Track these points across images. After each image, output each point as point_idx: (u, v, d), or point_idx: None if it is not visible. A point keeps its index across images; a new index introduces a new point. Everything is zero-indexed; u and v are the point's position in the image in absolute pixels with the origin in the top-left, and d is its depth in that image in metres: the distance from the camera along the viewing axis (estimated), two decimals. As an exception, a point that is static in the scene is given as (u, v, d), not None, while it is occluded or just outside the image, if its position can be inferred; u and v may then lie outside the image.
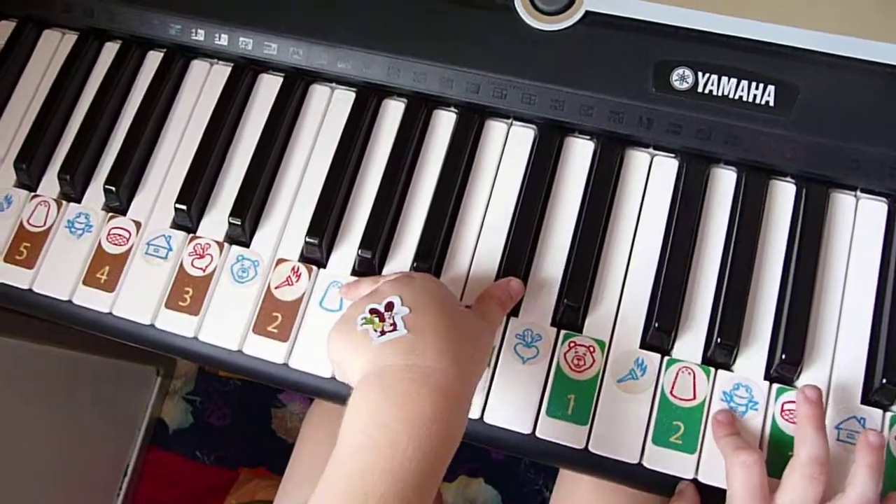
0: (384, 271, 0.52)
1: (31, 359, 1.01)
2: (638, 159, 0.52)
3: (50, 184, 0.57)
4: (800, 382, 0.47)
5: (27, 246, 0.55)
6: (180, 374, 1.29)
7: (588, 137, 0.53)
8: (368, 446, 0.37)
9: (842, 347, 0.48)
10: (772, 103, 0.49)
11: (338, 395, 0.50)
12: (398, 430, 0.37)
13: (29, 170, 0.56)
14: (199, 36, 0.57)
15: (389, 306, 0.43)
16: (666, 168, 0.52)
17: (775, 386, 0.47)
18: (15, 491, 0.99)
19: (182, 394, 1.27)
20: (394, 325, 0.42)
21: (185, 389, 1.27)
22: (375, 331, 0.42)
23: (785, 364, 0.46)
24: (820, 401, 0.44)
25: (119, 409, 1.23)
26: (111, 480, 1.22)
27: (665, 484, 0.47)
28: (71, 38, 0.60)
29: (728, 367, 0.48)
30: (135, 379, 1.26)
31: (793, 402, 0.46)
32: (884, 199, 0.50)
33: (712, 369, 0.48)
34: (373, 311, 0.43)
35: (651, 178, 0.52)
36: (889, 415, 0.46)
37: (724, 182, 0.52)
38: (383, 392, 0.39)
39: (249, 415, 1.23)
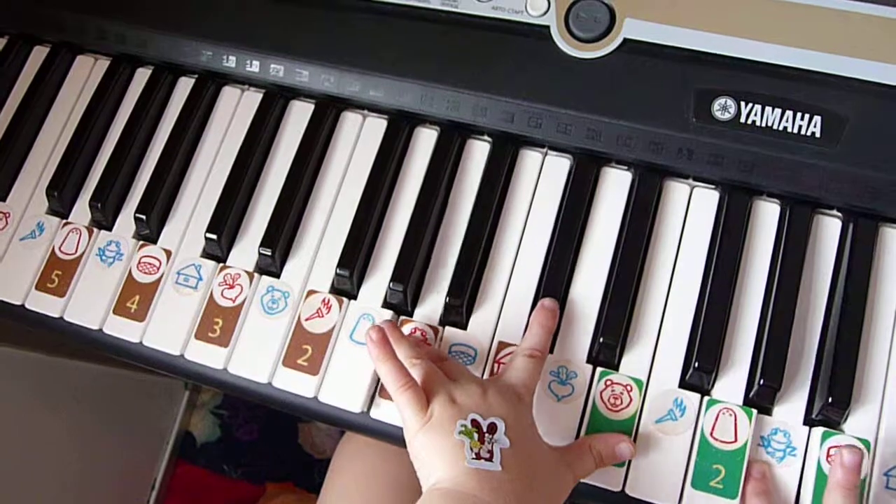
0: (416, 307, 0.51)
1: (62, 373, 1.02)
2: (678, 191, 0.51)
3: (81, 211, 0.57)
4: (846, 426, 0.45)
5: (58, 274, 0.55)
6: (208, 388, 1.29)
7: (626, 168, 0.52)
8: None
9: (893, 390, 0.46)
10: (818, 134, 0.48)
11: (368, 428, 0.50)
12: None
13: (61, 196, 0.56)
14: (231, 62, 0.57)
15: (492, 428, 0.41)
16: (707, 200, 0.50)
17: (818, 430, 0.45)
18: (46, 498, 1.00)
19: (210, 407, 1.27)
20: (490, 453, 0.40)
21: (213, 403, 1.27)
22: (472, 450, 0.40)
23: (834, 405, 0.44)
24: (857, 468, 0.42)
25: (148, 422, 1.24)
26: (139, 493, 1.23)
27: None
28: (104, 63, 0.60)
29: (769, 411, 0.46)
30: (164, 392, 1.26)
31: (837, 445, 0.45)
32: (936, 235, 0.48)
33: (754, 411, 0.46)
34: (475, 424, 0.41)
35: (691, 210, 0.51)
36: (941, 460, 0.44)
37: (768, 215, 0.50)
38: None
39: (276, 429, 1.23)
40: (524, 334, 0.48)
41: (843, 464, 0.42)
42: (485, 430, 0.40)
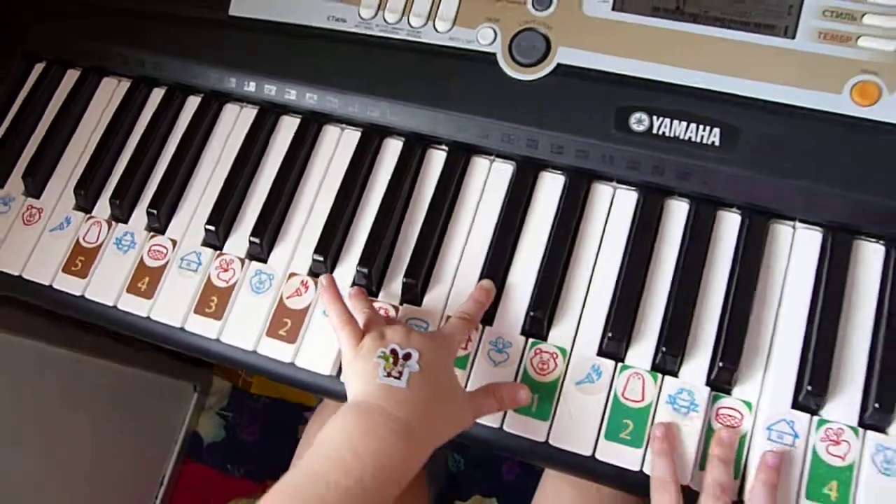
0: (382, 285, 0.60)
1: (81, 371, 1.11)
2: (602, 192, 0.60)
3: (102, 207, 0.67)
4: (738, 391, 0.53)
5: (82, 259, 0.65)
6: (215, 391, 1.38)
7: (560, 172, 0.61)
8: (337, 462, 0.44)
9: (776, 359, 0.54)
10: (717, 143, 0.56)
11: (337, 393, 0.58)
12: (364, 461, 0.44)
13: (86, 195, 0.66)
14: (231, 84, 0.67)
15: (407, 356, 0.49)
16: (626, 200, 0.59)
17: (714, 393, 0.53)
18: (60, 494, 1.08)
19: (216, 409, 1.36)
20: (400, 374, 0.48)
21: (220, 405, 1.36)
22: (385, 370, 0.49)
23: (722, 370, 0.53)
24: (733, 438, 0.51)
25: (158, 423, 1.33)
26: (148, 489, 1.30)
27: (613, 477, 0.53)
28: (125, 84, 0.71)
29: (675, 374, 0.54)
30: (174, 394, 1.35)
31: (728, 407, 0.53)
32: (818, 229, 0.56)
33: (660, 375, 0.54)
34: (393, 352, 0.50)
35: (613, 208, 0.59)
36: (815, 419, 0.52)
37: (678, 213, 0.59)
38: (366, 427, 0.46)
39: (277, 430, 1.31)
40: (465, 306, 0.57)
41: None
42: (400, 356, 0.49)
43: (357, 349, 0.51)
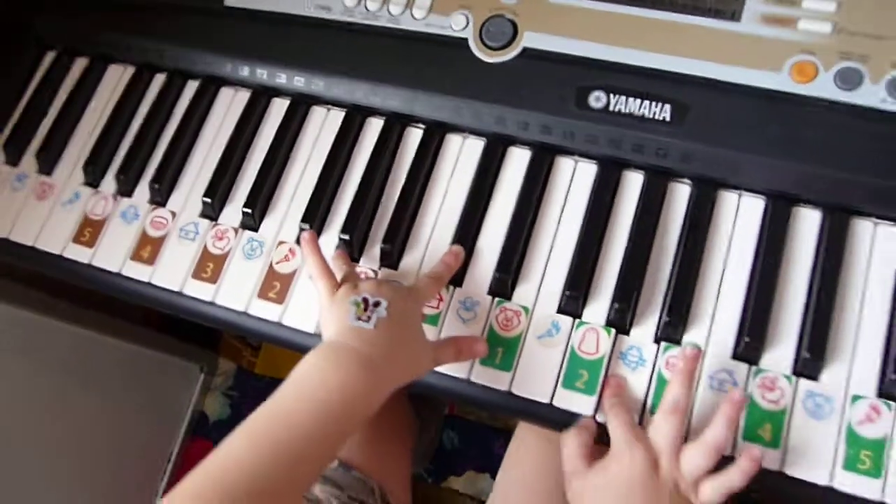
0: (363, 251, 0.66)
1: (95, 350, 1.17)
2: (564, 165, 0.65)
3: (109, 182, 0.72)
4: (685, 341, 0.58)
5: (89, 230, 0.71)
6: (221, 372, 1.44)
7: (526, 147, 0.66)
8: (308, 392, 0.49)
9: (720, 313, 0.59)
10: (668, 118, 0.61)
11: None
12: (332, 390, 0.49)
13: (94, 172, 0.72)
14: (227, 69, 0.72)
15: (377, 304, 0.55)
16: (586, 172, 0.64)
17: (663, 344, 0.58)
18: (70, 470, 1.13)
19: (222, 389, 1.42)
20: (369, 318, 0.54)
21: (225, 385, 1.42)
22: (356, 314, 0.54)
23: (669, 324, 0.58)
24: (696, 356, 0.55)
25: (166, 402, 1.39)
26: (157, 465, 1.36)
27: (568, 423, 0.58)
28: (130, 70, 0.77)
29: (626, 331, 0.59)
30: (181, 375, 1.41)
31: (676, 356, 0.58)
32: (761, 197, 0.61)
33: (613, 330, 0.59)
34: (364, 300, 0.55)
35: (574, 179, 0.65)
36: (754, 369, 0.57)
37: (633, 183, 0.64)
38: (335, 362, 0.51)
39: (280, 409, 1.37)
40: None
41: (686, 354, 0.55)
42: (370, 304, 0.54)
43: (332, 297, 0.56)
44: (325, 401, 0.48)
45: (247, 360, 1.43)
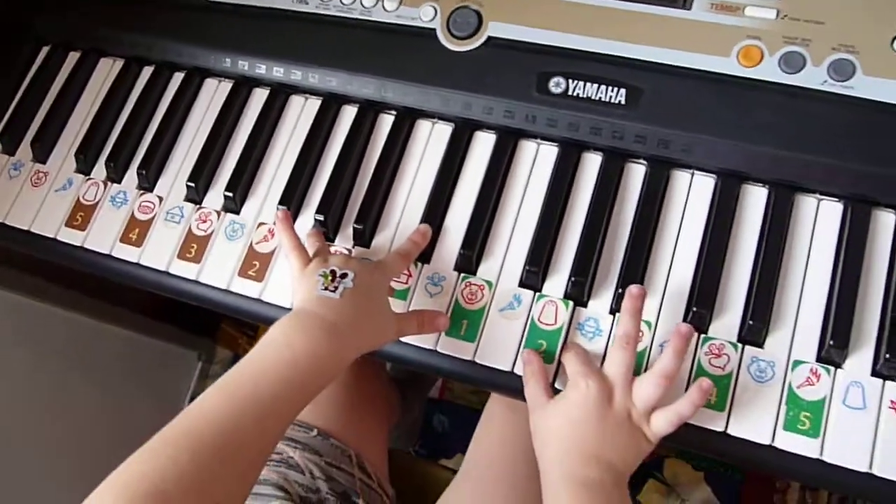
0: (338, 231, 0.69)
1: (93, 338, 1.21)
2: (527, 148, 0.69)
3: (99, 169, 0.76)
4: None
5: (82, 215, 0.75)
6: (219, 360, 1.48)
7: (491, 131, 0.70)
8: (275, 355, 0.52)
9: (671, 285, 0.62)
10: (623, 102, 0.65)
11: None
12: (298, 353, 0.52)
13: (86, 159, 0.76)
14: (210, 61, 0.76)
15: (344, 276, 0.59)
16: (548, 153, 0.68)
17: (618, 315, 0.62)
18: (69, 455, 1.17)
19: (219, 376, 1.46)
20: (336, 289, 0.57)
21: (222, 372, 1.45)
22: (323, 285, 0.58)
23: (623, 297, 0.61)
24: (640, 295, 0.58)
25: (165, 389, 1.43)
26: (157, 450, 1.40)
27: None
28: (119, 63, 0.81)
29: (583, 304, 0.63)
30: (180, 362, 1.46)
31: (629, 326, 0.61)
32: (713, 175, 0.65)
33: (571, 303, 0.63)
34: (332, 272, 0.59)
35: (536, 162, 0.68)
36: (702, 337, 0.60)
37: (591, 164, 0.67)
38: (301, 327, 0.54)
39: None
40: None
41: (630, 292, 0.58)
42: (338, 275, 0.58)
43: (303, 270, 0.60)
44: (291, 362, 0.51)
45: (243, 348, 1.47)
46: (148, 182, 0.74)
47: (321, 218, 0.68)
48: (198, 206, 0.73)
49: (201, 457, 0.44)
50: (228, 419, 0.47)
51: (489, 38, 0.69)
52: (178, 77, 0.79)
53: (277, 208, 0.70)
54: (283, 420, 0.51)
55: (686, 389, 0.58)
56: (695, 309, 0.60)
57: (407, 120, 0.71)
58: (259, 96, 0.76)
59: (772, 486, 1.27)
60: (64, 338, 1.14)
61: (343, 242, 0.69)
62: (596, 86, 0.66)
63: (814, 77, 0.61)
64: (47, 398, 1.12)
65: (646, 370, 0.60)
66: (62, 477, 1.13)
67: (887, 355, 0.56)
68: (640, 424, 0.56)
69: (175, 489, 0.42)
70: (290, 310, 0.66)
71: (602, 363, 0.59)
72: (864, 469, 0.55)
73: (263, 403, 0.49)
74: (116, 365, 1.28)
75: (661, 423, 0.55)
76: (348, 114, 0.73)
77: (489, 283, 0.65)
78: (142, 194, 0.74)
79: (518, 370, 0.62)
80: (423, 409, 1.19)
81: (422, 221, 0.67)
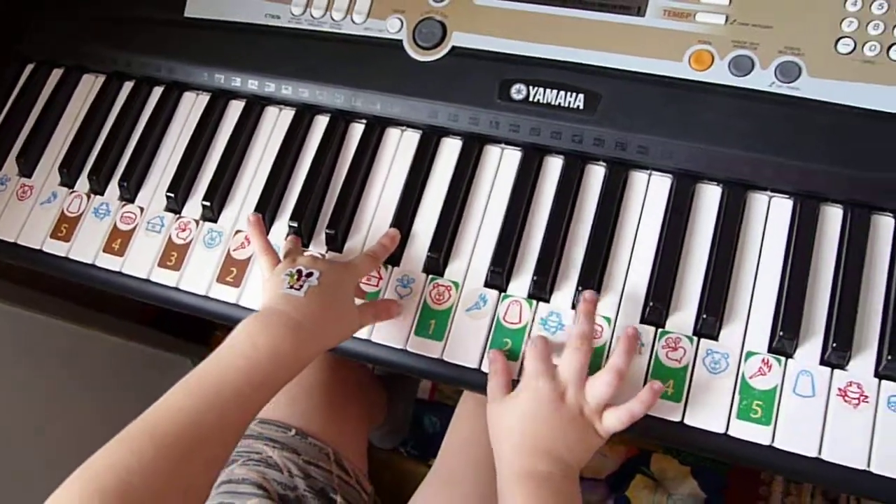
0: (312, 237, 0.72)
1: (87, 346, 1.23)
2: (492, 152, 0.71)
3: (83, 182, 0.79)
4: (599, 308, 0.64)
5: (66, 226, 0.77)
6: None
7: (458, 137, 0.72)
8: (239, 350, 0.54)
9: (630, 282, 0.64)
10: (581, 107, 0.67)
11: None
12: (261, 349, 0.54)
13: (69, 173, 0.79)
14: (188, 75, 0.79)
15: (309, 275, 0.61)
16: (511, 158, 0.70)
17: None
18: (65, 463, 1.18)
19: (213, 382, 1.48)
20: (300, 287, 0.60)
21: (216, 378, 1.48)
22: (288, 283, 0.60)
23: (584, 293, 0.63)
24: (593, 299, 0.61)
25: (158, 395, 1.45)
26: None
27: (495, 382, 0.64)
28: (101, 79, 0.84)
29: (546, 300, 0.65)
30: (174, 369, 1.48)
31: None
32: (669, 175, 0.67)
33: (535, 302, 0.65)
34: (298, 272, 0.62)
35: (501, 166, 0.71)
36: (660, 331, 0.63)
37: (553, 167, 0.70)
38: (265, 324, 0.57)
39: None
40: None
41: (584, 297, 0.61)
42: (304, 275, 0.60)
43: (272, 271, 0.62)
44: (253, 357, 0.54)
45: (236, 354, 1.49)
46: (129, 194, 0.77)
47: (295, 224, 0.71)
48: (177, 215, 0.75)
49: (165, 451, 0.46)
50: (191, 414, 0.49)
51: (453, 47, 0.71)
52: (157, 91, 0.81)
53: (251, 215, 0.72)
54: (246, 414, 0.53)
55: (644, 383, 0.61)
56: (651, 304, 0.62)
57: (376, 128, 0.74)
58: (235, 108, 0.79)
59: (757, 479, 1.29)
60: (59, 347, 1.16)
61: (317, 248, 0.72)
62: (555, 92, 0.68)
63: (762, 79, 0.64)
64: (43, 406, 1.13)
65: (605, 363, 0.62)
66: (58, 483, 1.15)
67: (835, 345, 0.59)
68: (592, 421, 0.58)
69: (140, 481, 0.44)
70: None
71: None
72: (813, 454, 0.57)
73: (226, 398, 0.51)
74: (112, 373, 1.30)
75: (613, 421, 0.58)
76: (320, 123, 0.76)
77: (456, 283, 0.67)
78: (123, 205, 0.77)
79: (486, 367, 0.64)
80: (412, 409, 1.22)
81: (391, 226, 0.70)
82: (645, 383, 0.61)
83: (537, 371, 0.59)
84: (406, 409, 1.14)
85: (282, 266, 0.62)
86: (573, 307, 0.65)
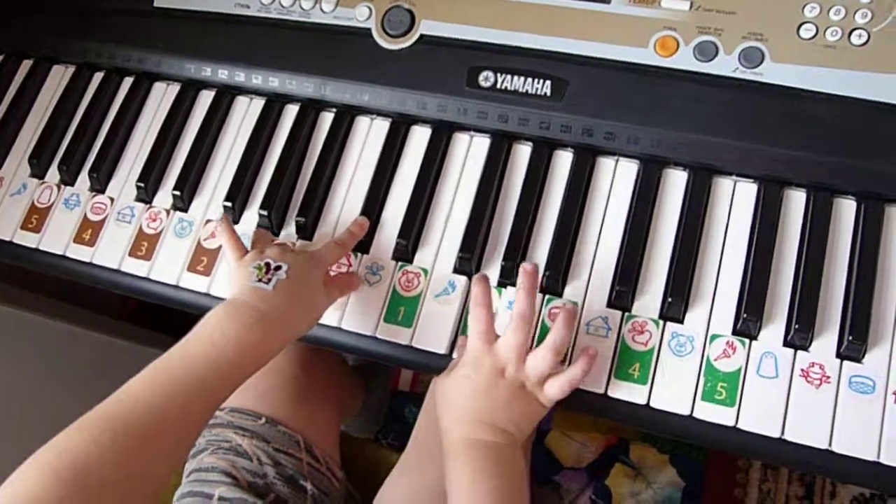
0: (282, 226, 0.72)
1: (69, 342, 1.22)
2: (461, 140, 0.71)
3: (53, 173, 0.79)
4: (566, 292, 0.65)
5: (36, 217, 0.77)
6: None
7: (427, 125, 0.72)
8: (206, 340, 0.55)
9: (596, 266, 0.65)
10: (548, 93, 0.68)
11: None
12: (228, 338, 0.55)
13: (39, 164, 0.78)
14: (157, 65, 0.79)
15: (277, 268, 0.62)
16: (480, 145, 0.71)
17: (547, 297, 0.65)
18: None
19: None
20: (269, 280, 0.60)
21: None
22: (257, 276, 0.60)
23: (550, 278, 0.64)
24: (534, 273, 0.60)
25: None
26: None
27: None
28: (71, 70, 0.83)
29: (515, 285, 0.66)
30: (151, 362, 1.47)
31: (558, 307, 0.64)
32: (636, 161, 0.67)
33: (504, 287, 0.66)
34: (266, 264, 0.61)
35: (469, 153, 0.71)
36: (626, 315, 0.63)
37: (522, 154, 0.70)
38: (233, 315, 0.57)
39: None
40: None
41: (525, 269, 0.60)
42: (272, 268, 0.60)
43: (239, 261, 0.62)
44: (219, 347, 0.54)
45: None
46: (99, 184, 0.77)
47: (265, 213, 0.71)
48: (148, 205, 0.75)
49: (124, 437, 0.47)
50: (152, 402, 0.50)
51: (422, 35, 0.72)
52: (127, 81, 0.81)
53: (224, 206, 0.72)
54: (210, 404, 0.53)
55: (611, 367, 0.61)
56: (618, 288, 0.63)
57: (346, 117, 0.74)
58: (205, 98, 0.78)
59: (734, 466, 1.30)
60: (43, 344, 1.16)
61: (287, 237, 0.72)
62: (523, 79, 0.68)
63: (726, 65, 0.64)
64: (22, 404, 1.13)
65: (571, 352, 0.63)
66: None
67: (797, 326, 0.59)
68: (534, 392, 0.59)
69: (97, 466, 0.44)
70: (234, 301, 0.69)
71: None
72: (776, 435, 0.58)
73: (189, 387, 0.51)
74: (90, 368, 1.30)
75: (554, 390, 0.59)
76: (290, 112, 0.76)
77: (425, 270, 0.67)
78: (94, 196, 0.77)
79: (456, 354, 0.65)
80: (388, 397, 1.22)
81: (361, 213, 0.70)
82: (612, 368, 0.62)
83: (478, 348, 0.59)
84: (381, 397, 1.15)
85: (250, 257, 0.62)
86: (541, 291, 0.65)
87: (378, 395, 1.12)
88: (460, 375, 0.59)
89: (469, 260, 0.66)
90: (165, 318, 1.46)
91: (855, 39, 0.62)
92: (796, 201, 0.64)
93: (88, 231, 0.75)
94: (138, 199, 0.76)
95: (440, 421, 0.59)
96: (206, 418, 0.53)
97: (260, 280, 0.59)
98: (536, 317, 0.64)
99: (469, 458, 0.55)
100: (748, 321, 0.60)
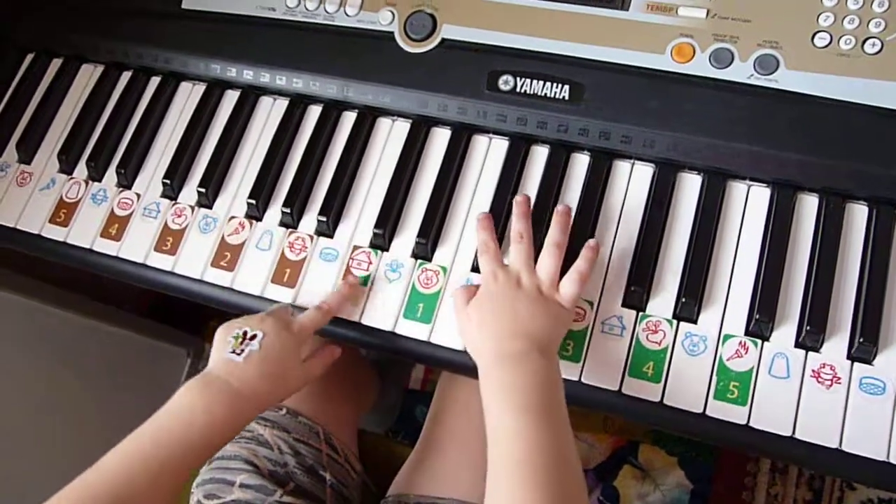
0: (302, 224, 0.74)
1: (85, 335, 1.24)
2: (480, 142, 0.73)
3: (81, 169, 0.81)
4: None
5: (64, 212, 0.79)
6: (206, 356, 1.52)
7: (447, 127, 0.74)
8: (178, 417, 0.57)
9: (612, 266, 0.66)
10: (566, 97, 0.69)
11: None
12: (199, 418, 0.57)
13: (68, 160, 0.81)
14: (184, 66, 0.81)
15: (252, 337, 0.62)
16: (499, 147, 0.72)
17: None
18: (61, 451, 1.19)
19: (208, 372, 1.50)
20: (242, 352, 0.61)
21: (211, 368, 1.50)
22: (231, 348, 0.62)
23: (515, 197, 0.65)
24: (525, 201, 0.65)
25: (155, 385, 1.47)
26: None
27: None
28: (99, 69, 0.85)
29: (532, 284, 0.67)
30: (169, 359, 1.50)
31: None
32: (651, 164, 0.69)
33: (520, 285, 0.67)
34: (244, 333, 0.62)
35: (488, 154, 0.72)
36: (640, 314, 0.64)
37: (539, 156, 0.71)
38: (203, 392, 0.58)
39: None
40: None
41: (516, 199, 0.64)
42: (247, 337, 0.62)
43: (226, 325, 0.64)
44: (188, 423, 0.56)
45: (231, 345, 1.51)
46: (126, 180, 0.79)
47: (287, 210, 0.72)
48: (173, 201, 0.77)
49: None
50: (121, 476, 0.52)
51: (443, 39, 0.73)
52: (154, 81, 0.83)
53: (248, 202, 0.74)
54: (179, 476, 0.55)
55: (625, 367, 0.63)
56: (633, 288, 0.64)
57: (368, 118, 0.76)
58: (230, 98, 0.80)
59: (743, 470, 1.31)
60: (55, 335, 1.18)
61: (305, 231, 0.73)
62: (541, 83, 0.70)
63: (741, 71, 0.66)
64: (39, 395, 1.15)
65: (587, 351, 0.64)
66: (53, 472, 1.16)
67: (809, 328, 0.61)
68: (552, 295, 0.62)
69: None
70: (260, 297, 0.71)
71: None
72: (787, 434, 0.59)
73: (159, 461, 0.54)
74: (107, 362, 1.32)
75: (568, 287, 0.62)
76: (313, 113, 0.78)
77: (444, 268, 0.69)
78: (121, 191, 0.79)
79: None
80: (403, 394, 1.24)
81: (381, 211, 0.72)
82: (626, 367, 0.63)
83: (491, 269, 0.63)
84: (397, 392, 1.16)
85: (233, 322, 0.64)
86: (557, 291, 0.66)
87: (393, 390, 1.14)
88: (478, 301, 0.61)
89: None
90: (180, 312, 1.48)
91: (868, 48, 0.64)
92: (809, 206, 0.65)
93: (115, 226, 0.77)
94: (164, 196, 0.78)
95: (470, 352, 0.61)
96: (179, 485, 0.55)
97: (233, 351, 0.61)
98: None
99: (503, 370, 0.56)
100: (760, 322, 0.61)
